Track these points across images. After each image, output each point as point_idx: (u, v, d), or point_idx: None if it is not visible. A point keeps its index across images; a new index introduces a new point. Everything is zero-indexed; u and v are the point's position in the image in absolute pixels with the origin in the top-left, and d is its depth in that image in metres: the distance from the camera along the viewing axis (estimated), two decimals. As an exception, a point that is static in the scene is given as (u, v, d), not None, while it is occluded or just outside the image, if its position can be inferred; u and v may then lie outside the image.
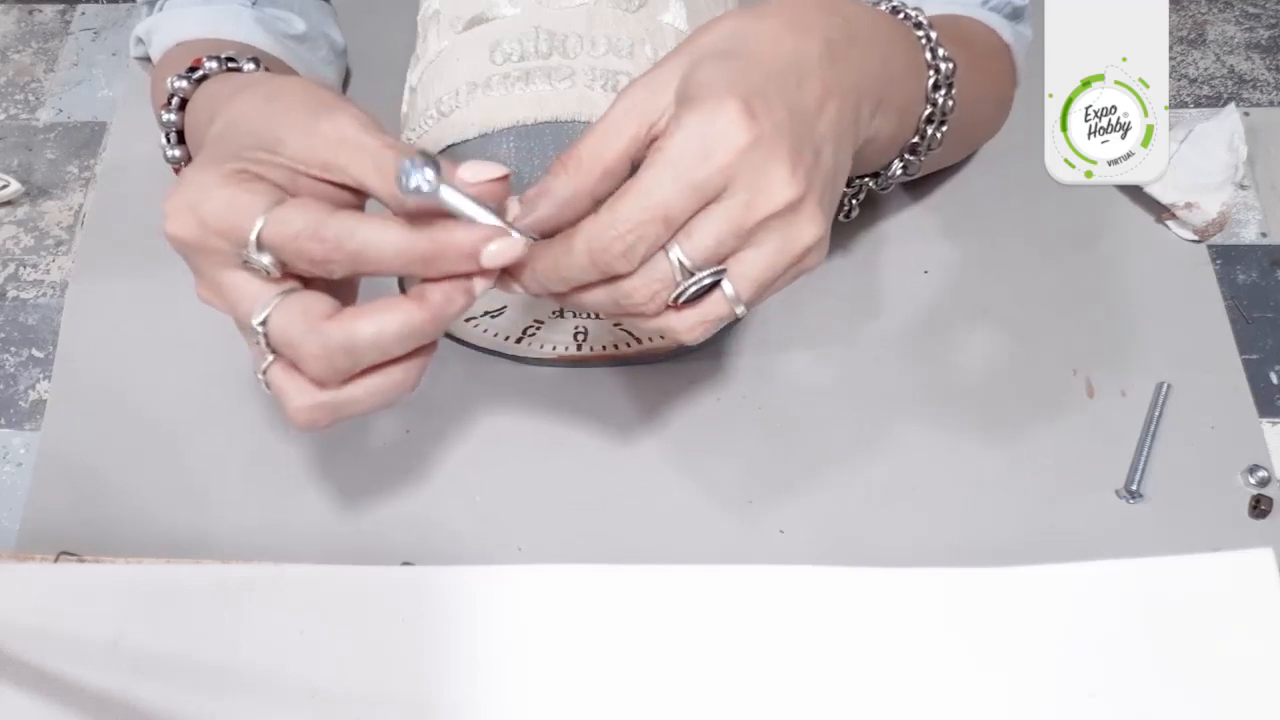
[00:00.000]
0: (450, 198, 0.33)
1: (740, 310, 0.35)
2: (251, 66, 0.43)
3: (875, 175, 0.47)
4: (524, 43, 0.43)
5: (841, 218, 0.49)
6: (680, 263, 0.33)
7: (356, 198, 0.36)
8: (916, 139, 0.44)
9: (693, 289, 0.34)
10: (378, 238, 0.33)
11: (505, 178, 0.34)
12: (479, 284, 0.35)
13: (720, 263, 0.34)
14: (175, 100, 0.43)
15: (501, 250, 0.33)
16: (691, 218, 0.33)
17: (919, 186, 0.58)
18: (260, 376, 0.36)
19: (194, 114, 0.42)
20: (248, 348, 0.37)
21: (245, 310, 0.35)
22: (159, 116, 0.44)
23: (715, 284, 0.34)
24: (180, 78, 0.43)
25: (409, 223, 0.33)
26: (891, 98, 0.40)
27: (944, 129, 0.45)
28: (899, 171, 0.46)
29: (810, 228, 0.34)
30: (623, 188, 0.33)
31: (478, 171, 0.33)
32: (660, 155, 0.33)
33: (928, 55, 0.43)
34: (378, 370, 0.36)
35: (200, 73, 0.43)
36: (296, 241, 0.33)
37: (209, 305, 0.36)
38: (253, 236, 0.33)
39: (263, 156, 0.35)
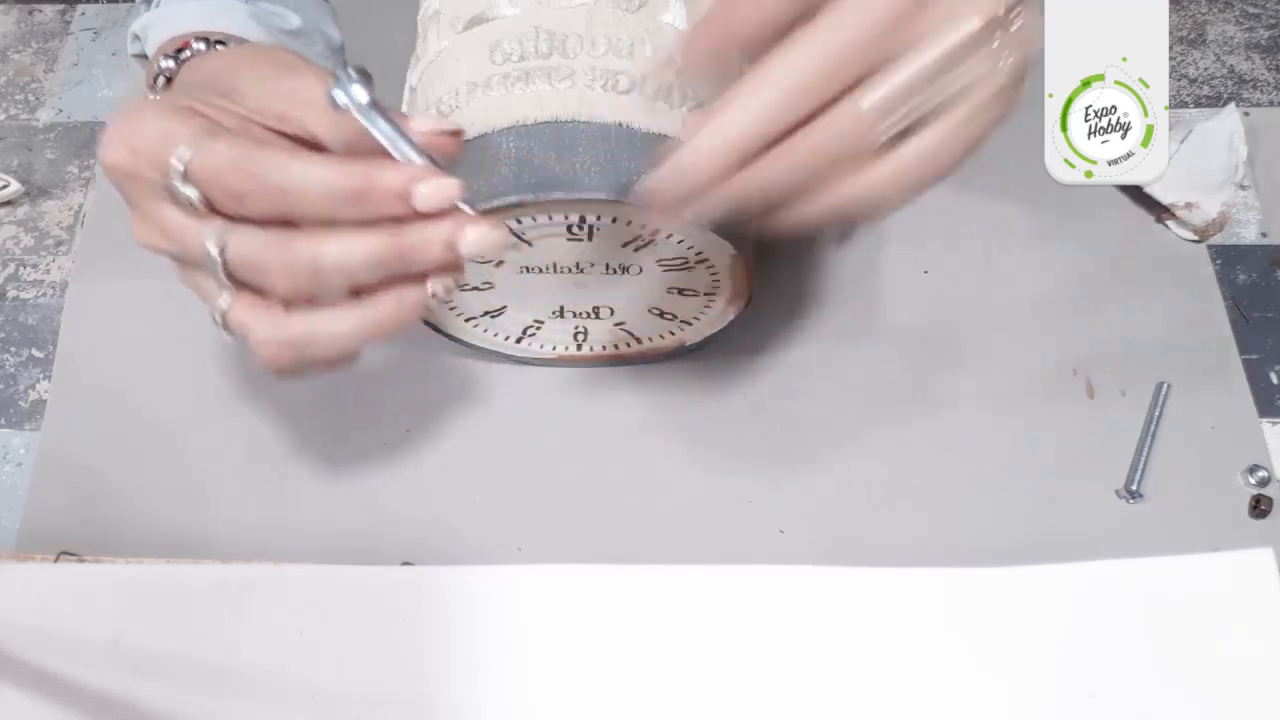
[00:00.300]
0: (382, 126, 0.31)
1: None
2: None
3: None
4: (524, 43, 0.43)
5: None
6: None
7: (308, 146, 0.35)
8: None
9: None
10: (304, 173, 0.32)
11: (458, 134, 0.33)
12: (470, 233, 0.33)
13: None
14: (161, 80, 0.43)
15: (434, 192, 0.32)
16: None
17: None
18: (217, 319, 0.35)
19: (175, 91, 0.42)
20: (197, 291, 0.36)
21: (195, 241, 0.34)
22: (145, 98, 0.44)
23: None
24: (168, 58, 0.43)
25: (332, 156, 0.32)
26: None
27: None
28: None
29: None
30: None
31: (429, 122, 0.32)
32: None
33: None
34: (346, 304, 0.34)
35: (187, 54, 0.43)
36: (220, 174, 0.32)
37: (151, 248, 0.35)
38: (176, 163, 0.32)
39: (216, 101, 0.34)
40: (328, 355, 0.35)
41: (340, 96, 0.31)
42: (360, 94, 0.31)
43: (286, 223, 0.33)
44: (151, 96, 0.43)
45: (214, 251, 0.33)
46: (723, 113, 0.31)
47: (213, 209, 0.33)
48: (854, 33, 0.30)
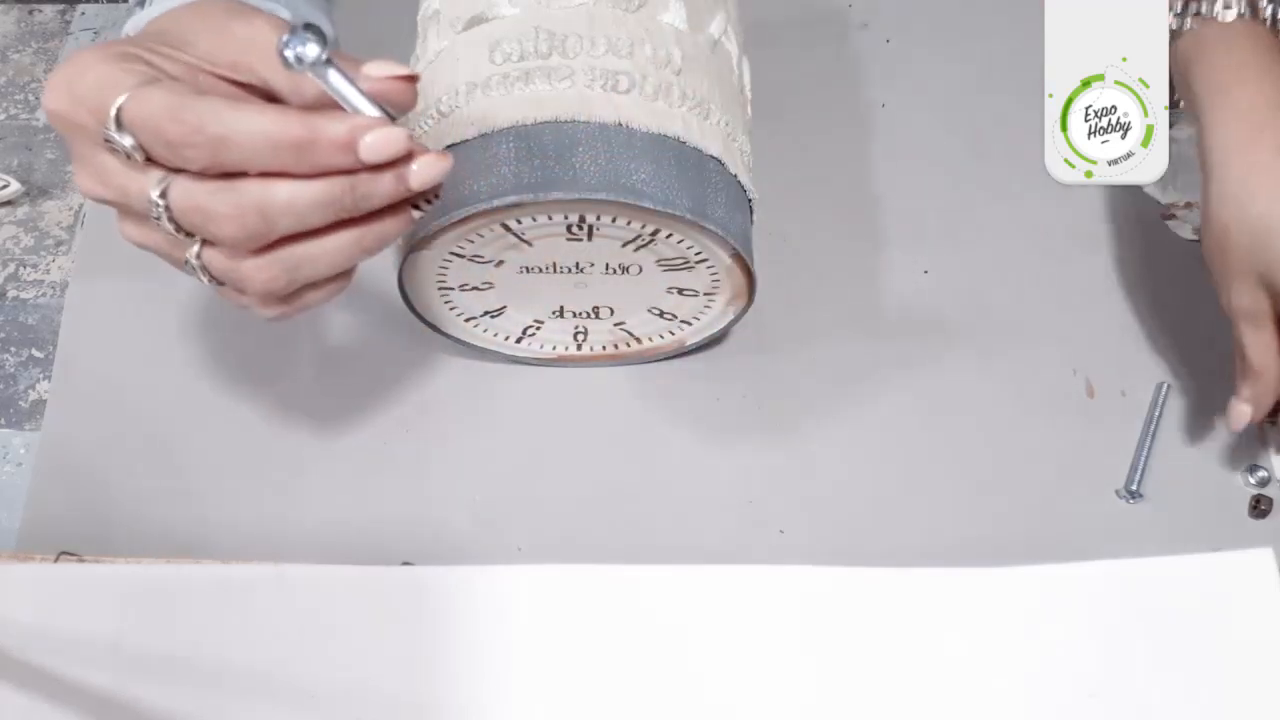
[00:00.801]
0: (333, 81, 0.30)
1: None
2: None
3: None
4: (524, 43, 0.43)
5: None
6: None
7: (259, 95, 0.34)
8: None
9: None
10: (244, 122, 0.30)
11: (413, 79, 0.32)
12: (423, 168, 0.32)
13: None
14: None
15: (380, 142, 0.31)
16: None
17: (919, 185, 0.58)
18: (194, 265, 0.34)
19: None
20: (149, 246, 0.35)
21: (138, 188, 0.33)
22: None
23: None
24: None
25: (272, 106, 0.31)
26: None
27: None
28: None
29: None
30: None
31: (383, 68, 0.31)
32: None
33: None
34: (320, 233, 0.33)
35: None
36: (155, 120, 0.31)
37: (93, 197, 0.34)
38: (112, 111, 0.31)
39: (164, 50, 0.33)
40: (321, 273, 0.34)
41: (290, 55, 0.30)
42: (311, 51, 0.30)
43: (227, 175, 0.32)
44: None
45: (155, 197, 0.32)
46: None
47: (151, 160, 0.32)
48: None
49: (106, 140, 0.32)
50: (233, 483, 0.50)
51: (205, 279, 0.35)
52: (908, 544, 0.49)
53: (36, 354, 0.55)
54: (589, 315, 0.50)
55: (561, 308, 0.50)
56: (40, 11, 0.67)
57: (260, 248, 0.33)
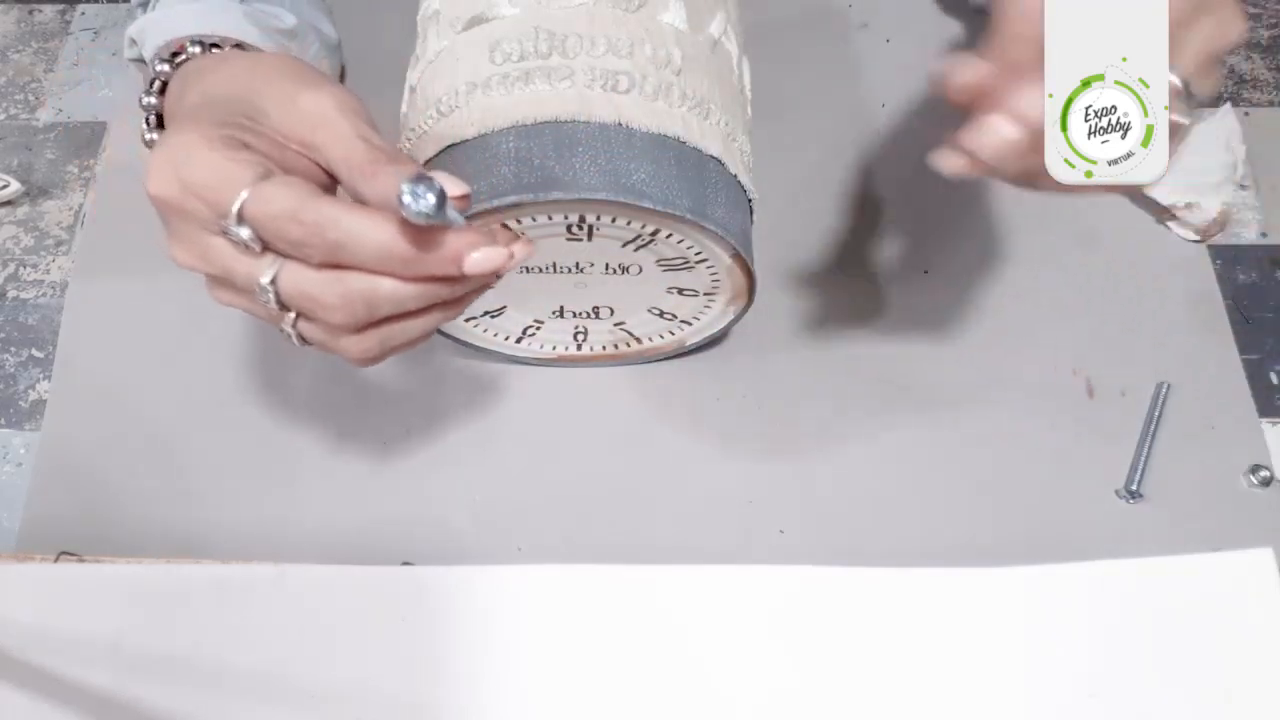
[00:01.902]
0: (448, 217, 0.32)
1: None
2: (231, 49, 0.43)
3: None
4: (524, 43, 0.43)
5: None
6: None
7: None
8: None
9: None
10: (360, 231, 0.32)
11: (467, 195, 0.34)
12: (519, 251, 0.34)
13: None
14: (156, 84, 0.43)
15: (484, 260, 0.33)
16: None
17: (919, 185, 0.58)
18: (289, 333, 0.36)
19: (170, 94, 0.42)
20: (236, 306, 0.36)
21: (244, 272, 0.34)
22: (139, 101, 0.44)
23: None
24: (163, 62, 0.43)
25: (386, 218, 0.33)
26: None
27: None
28: None
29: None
30: None
31: (453, 187, 0.33)
32: None
33: None
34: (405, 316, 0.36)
35: (183, 57, 0.43)
36: (277, 221, 0.32)
37: (188, 268, 0.36)
38: (234, 209, 0.32)
39: (247, 124, 0.34)
40: (413, 340, 0.37)
41: (414, 209, 0.32)
42: (430, 203, 0.32)
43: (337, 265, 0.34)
44: (147, 100, 0.43)
45: (266, 283, 0.34)
46: None
47: (265, 246, 0.34)
48: None
49: (223, 231, 0.33)
50: (233, 483, 0.50)
51: (298, 344, 0.37)
52: (908, 544, 0.49)
53: (36, 354, 0.55)
54: (589, 315, 0.50)
55: (561, 308, 0.50)
56: (40, 11, 0.67)
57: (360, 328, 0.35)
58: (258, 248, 0.34)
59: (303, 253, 0.33)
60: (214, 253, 0.34)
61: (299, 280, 0.34)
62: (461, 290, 0.35)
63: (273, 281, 0.34)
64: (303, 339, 0.36)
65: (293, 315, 0.35)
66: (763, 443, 0.51)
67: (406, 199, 0.32)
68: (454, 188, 0.33)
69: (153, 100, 0.43)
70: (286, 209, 0.32)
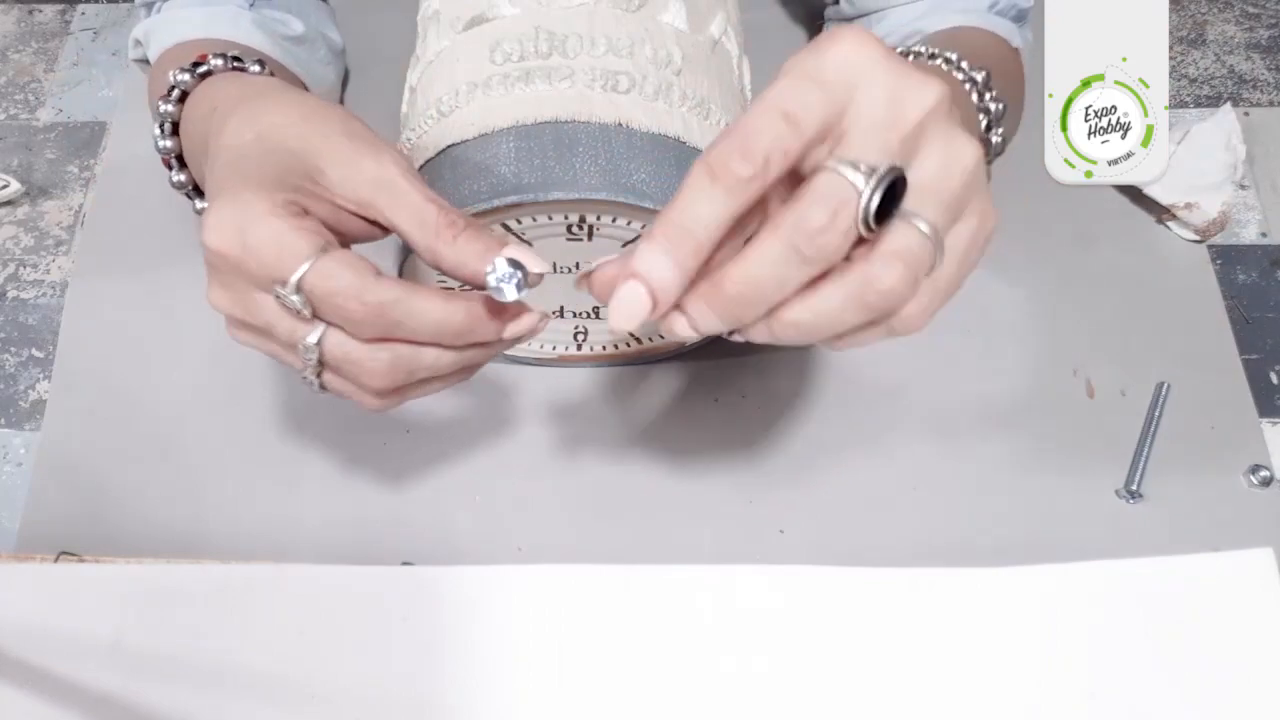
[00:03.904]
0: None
1: (930, 224, 0.30)
2: (257, 69, 0.43)
3: None
4: (524, 43, 0.43)
5: None
6: (848, 168, 0.28)
7: (386, 231, 0.36)
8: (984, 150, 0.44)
9: (877, 192, 0.28)
10: (423, 311, 0.34)
11: (542, 275, 0.35)
12: (527, 323, 0.36)
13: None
14: (176, 92, 0.43)
15: (523, 326, 0.36)
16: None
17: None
18: (311, 381, 0.37)
19: (195, 107, 0.42)
20: (263, 351, 0.37)
21: (287, 330, 0.35)
22: (154, 108, 0.44)
23: (895, 200, 0.29)
24: (184, 70, 0.43)
25: (445, 298, 0.34)
26: (969, 120, 0.40)
27: (1000, 131, 0.44)
28: None
29: (969, 145, 0.30)
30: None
31: (533, 265, 0.35)
32: (783, 76, 0.29)
33: (976, 99, 0.43)
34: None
35: (205, 68, 0.43)
36: (336, 298, 0.33)
37: (225, 313, 0.37)
38: (294, 279, 0.33)
39: (307, 186, 0.35)
40: (428, 393, 0.38)
41: (500, 291, 0.34)
42: (516, 290, 0.34)
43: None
44: (165, 107, 0.43)
45: (311, 344, 0.35)
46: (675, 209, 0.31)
47: (314, 313, 0.35)
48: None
49: (275, 295, 0.34)
50: (233, 483, 0.50)
51: (316, 392, 0.37)
52: (908, 544, 0.49)
53: (36, 354, 0.55)
54: (589, 315, 0.50)
55: (561, 308, 0.50)
56: (40, 11, 0.67)
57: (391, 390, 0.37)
58: (308, 314, 0.34)
59: (355, 327, 0.34)
60: (258, 308, 0.35)
61: (345, 346, 0.35)
62: (495, 351, 0.37)
63: (318, 343, 0.35)
64: (324, 388, 0.37)
65: (316, 363, 0.36)
66: (763, 443, 0.51)
67: (492, 280, 0.34)
68: (534, 265, 0.35)
69: (171, 109, 0.43)
70: (349, 288, 0.33)
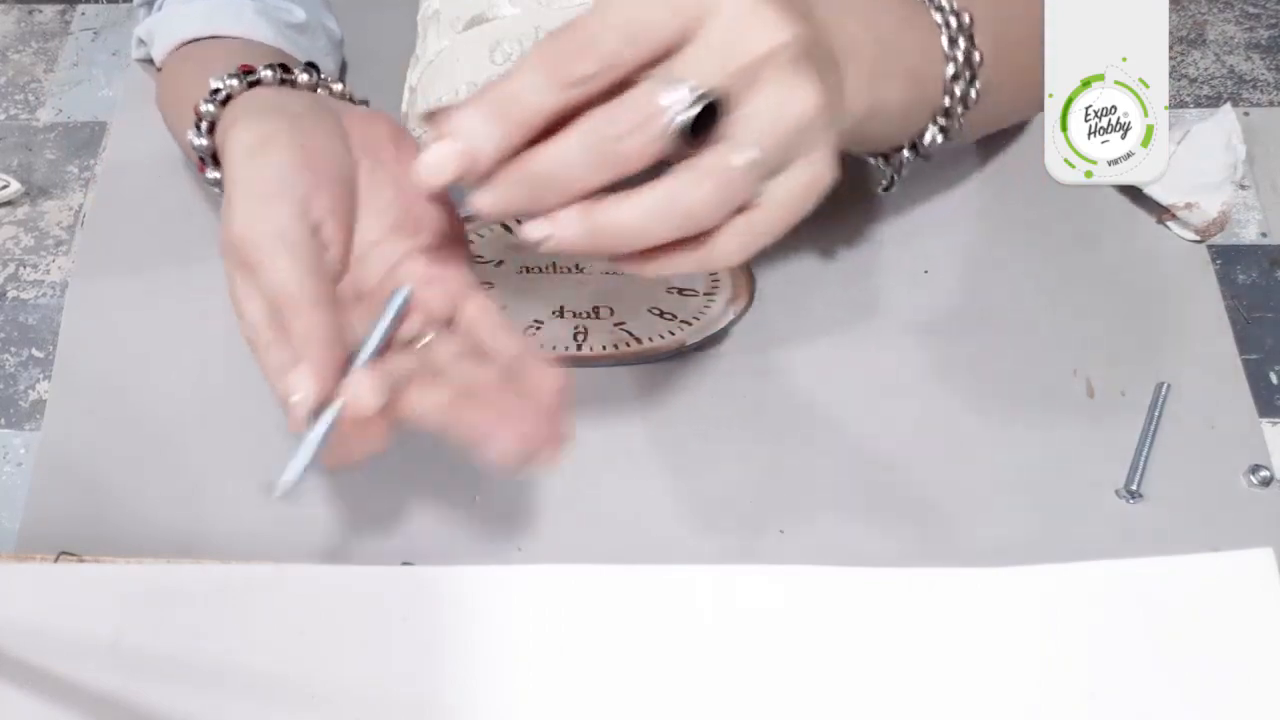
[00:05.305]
0: None
1: (749, 156, 0.30)
2: (306, 78, 0.42)
3: (914, 146, 0.45)
4: (524, 43, 0.43)
5: (881, 190, 0.47)
6: (668, 83, 0.29)
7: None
8: (947, 100, 0.43)
9: (694, 108, 0.29)
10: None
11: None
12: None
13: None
14: (204, 125, 0.42)
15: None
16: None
17: (919, 185, 0.58)
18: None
19: (236, 122, 0.41)
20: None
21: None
22: (166, 112, 0.43)
23: (711, 120, 0.30)
24: (232, 76, 0.41)
25: None
26: (889, 64, 0.39)
27: (977, 85, 0.43)
28: (938, 138, 0.44)
29: (810, 93, 0.31)
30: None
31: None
32: None
33: (946, 44, 0.42)
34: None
35: (254, 77, 0.41)
36: None
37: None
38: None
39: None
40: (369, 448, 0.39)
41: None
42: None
43: None
44: (199, 141, 0.42)
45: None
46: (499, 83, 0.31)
47: None
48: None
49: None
50: (233, 483, 0.50)
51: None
52: (907, 544, 0.49)
53: (36, 354, 0.55)
54: (589, 315, 0.50)
55: (561, 308, 0.50)
56: (40, 11, 0.67)
57: None
58: None
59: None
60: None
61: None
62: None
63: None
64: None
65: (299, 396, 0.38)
66: (762, 443, 0.51)
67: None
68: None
69: (204, 142, 0.42)
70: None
